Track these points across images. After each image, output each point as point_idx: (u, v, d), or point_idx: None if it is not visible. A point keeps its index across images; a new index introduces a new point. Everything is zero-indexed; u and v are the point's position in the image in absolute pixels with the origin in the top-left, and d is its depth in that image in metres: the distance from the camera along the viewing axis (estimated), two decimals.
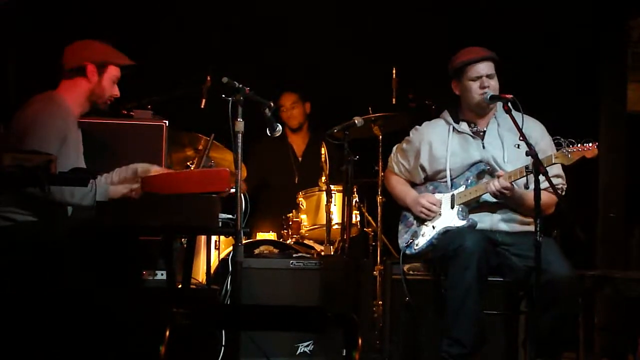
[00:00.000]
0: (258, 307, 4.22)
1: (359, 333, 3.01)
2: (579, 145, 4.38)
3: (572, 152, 4.38)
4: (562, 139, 4.41)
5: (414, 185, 4.96)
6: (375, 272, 5.55)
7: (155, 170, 4.34)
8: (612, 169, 6.73)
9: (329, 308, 4.20)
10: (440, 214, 4.74)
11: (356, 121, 5.17)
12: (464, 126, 4.81)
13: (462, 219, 4.65)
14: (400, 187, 4.98)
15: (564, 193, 4.68)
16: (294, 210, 6.04)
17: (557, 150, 4.46)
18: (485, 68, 4.70)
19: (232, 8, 6.63)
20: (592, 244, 6.61)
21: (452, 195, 4.72)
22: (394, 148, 5.08)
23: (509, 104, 4.45)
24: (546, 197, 4.40)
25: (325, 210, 5.67)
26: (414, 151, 4.92)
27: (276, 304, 5.04)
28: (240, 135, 4.29)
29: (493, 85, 4.69)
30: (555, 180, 4.56)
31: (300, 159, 6.80)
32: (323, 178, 5.83)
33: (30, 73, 5.69)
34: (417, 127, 5.01)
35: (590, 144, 4.37)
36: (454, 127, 4.81)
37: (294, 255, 5.44)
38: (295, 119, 6.76)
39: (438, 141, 4.83)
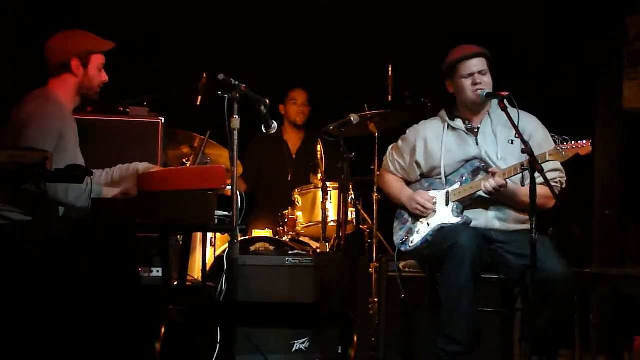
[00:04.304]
0: (254, 304, 4.22)
1: (355, 330, 3.01)
2: (572, 142, 4.37)
3: (566, 150, 4.37)
4: (556, 136, 4.41)
5: (409, 183, 4.96)
6: (370, 269, 5.56)
7: (156, 170, 4.34)
8: (609, 167, 6.73)
9: (325, 305, 4.21)
10: (435, 211, 4.74)
11: (352, 118, 5.18)
12: (458, 123, 4.81)
13: (457, 216, 4.65)
14: (395, 184, 4.97)
15: (564, 186, 4.67)
16: (289, 208, 6.04)
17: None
18: (477, 64, 4.70)
19: (227, 5, 6.62)
20: (589, 241, 6.61)
21: (447, 192, 4.72)
22: (390, 147, 5.08)
23: (505, 101, 4.45)
24: (544, 190, 4.39)
25: (321, 207, 5.68)
26: (409, 148, 4.92)
27: (272, 301, 5.04)
28: (236, 132, 4.29)
29: (486, 82, 4.69)
30: (553, 174, 4.57)
31: (294, 156, 6.81)
32: (319, 175, 5.83)
33: (27, 71, 5.68)
34: (415, 125, 5.01)
35: (584, 141, 4.36)
36: (448, 124, 4.81)
37: (290, 253, 5.43)
38: (304, 116, 6.78)
39: (433, 138, 4.83)
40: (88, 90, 4.35)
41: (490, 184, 4.51)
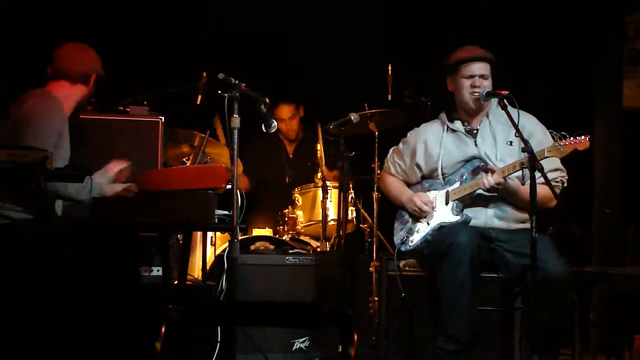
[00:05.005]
0: (254, 304, 4.22)
1: (355, 329, 3.01)
2: (571, 138, 4.38)
3: (564, 145, 4.38)
4: (554, 133, 4.42)
5: (409, 185, 4.96)
6: (370, 268, 5.56)
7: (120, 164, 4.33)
8: (608, 166, 6.73)
9: (325, 304, 4.21)
10: (434, 211, 4.74)
11: (352, 117, 5.18)
12: (457, 124, 4.81)
13: (456, 215, 4.65)
14: (396, 185, 4.97)
15: (565, 185, 4.68)
16: (290, 207, 6.04)
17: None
18: (479, 68, 4.70)
19: (228, 4, 6.62)
20: (588, 240, 6.61)
21: (447, 192, 4.72)
22: (391, 149, 5.08)
23: (505, 100, 4.45)
24: (545, 190, 4.39)
25: (321, 206, 5.68)
26: (410, 150, 4.92)
27: (272, 300, 5.04)
28: (236, 132, 4.29)
29: (486, 86, 4.69)
30: (554, 174, 4.57)
31: (291, 155, 6.80)
32: (319, 174, 5.83)
33: (24, 68, 5.69)
34: (416, 128, 5.02)
35: (582, 137, 4.37)
36: (448, 126, 4.82)
37: (290, 252, 5.44)
38: (294, 132, 6.76)
39: (433, 140, 4.83)
40: (83, 105, 4.40)
41: (488, 180, 4.51)
